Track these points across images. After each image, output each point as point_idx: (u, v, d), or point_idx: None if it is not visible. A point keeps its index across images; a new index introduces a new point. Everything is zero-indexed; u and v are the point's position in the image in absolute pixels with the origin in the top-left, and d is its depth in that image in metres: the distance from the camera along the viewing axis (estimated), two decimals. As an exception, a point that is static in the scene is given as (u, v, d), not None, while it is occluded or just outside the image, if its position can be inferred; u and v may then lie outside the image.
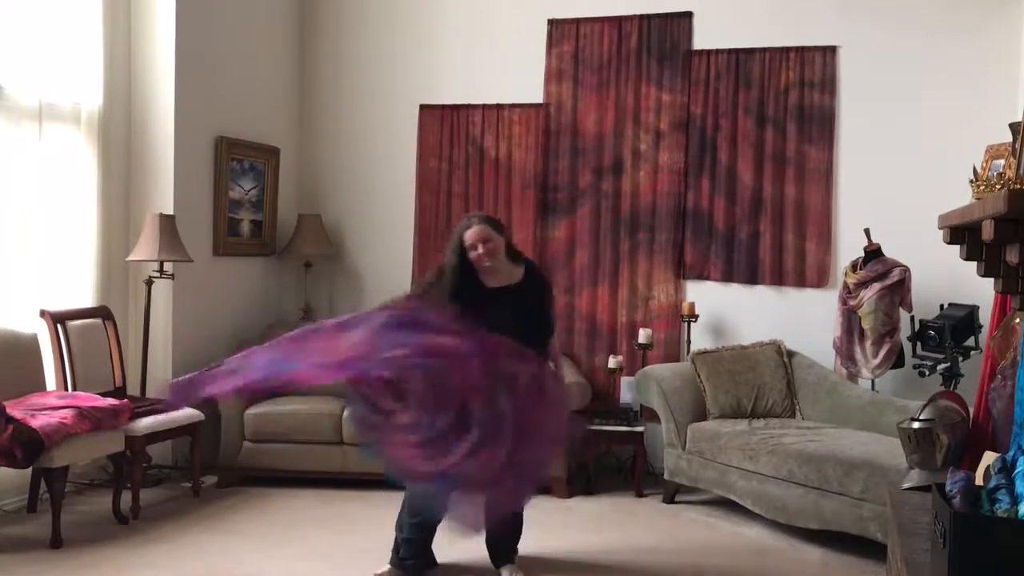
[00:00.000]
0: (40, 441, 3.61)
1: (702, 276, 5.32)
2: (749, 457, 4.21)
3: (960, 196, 3.04)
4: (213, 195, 5.24)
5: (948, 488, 2.12)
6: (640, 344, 5.15)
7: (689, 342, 5.22)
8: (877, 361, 4.57)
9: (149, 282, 4.72)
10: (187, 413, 4.53)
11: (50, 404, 3.88)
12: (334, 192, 5.96)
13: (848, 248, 4.95)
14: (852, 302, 4.63)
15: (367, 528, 4.16)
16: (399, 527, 3.62)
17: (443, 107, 5.71)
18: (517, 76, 5.57)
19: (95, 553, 3.72)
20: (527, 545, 3.83)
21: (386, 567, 3.62)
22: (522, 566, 3.68)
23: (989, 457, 2.43)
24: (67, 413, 3.78)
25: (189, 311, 5.03)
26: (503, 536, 3.66)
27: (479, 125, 5.64)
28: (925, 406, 3.10)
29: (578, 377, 4.90)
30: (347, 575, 3.61)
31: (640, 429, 4.90)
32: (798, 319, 5.08)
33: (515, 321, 3.30)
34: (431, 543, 3.63)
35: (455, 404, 3.08)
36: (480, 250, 3.39)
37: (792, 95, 5.13)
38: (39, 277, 4.44)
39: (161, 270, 4.71)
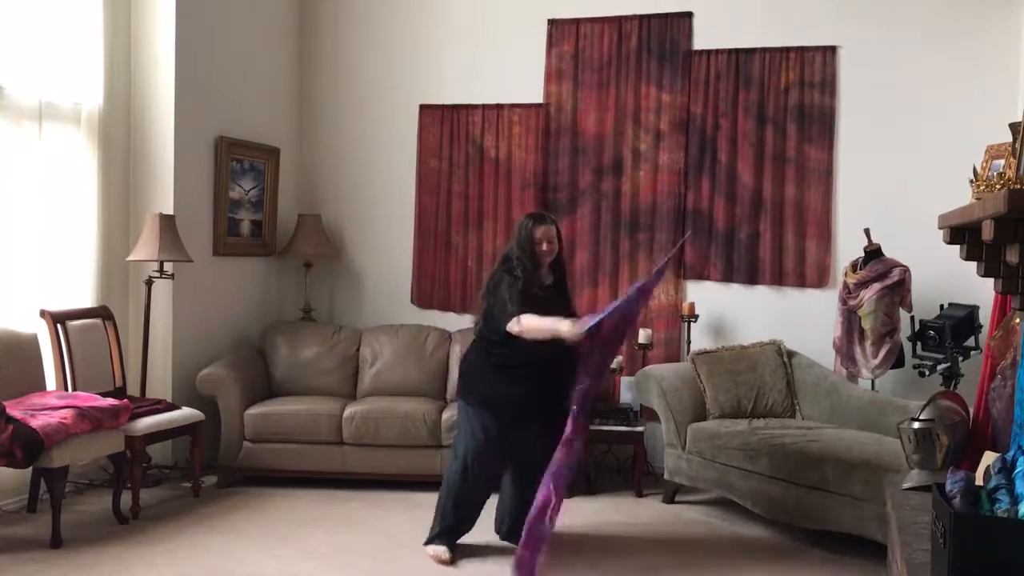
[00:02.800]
0: (40, 441, 3.61)
1: (702, 276, 5.32)
2: (749, 457, 4.21)
3: (960, 196, 3.03)
4: (213, 195, 5.24)
5: (948, 488, 2.12)
6: (640, 344, 5.15)
7: (689, 342, 5.22)
8: (877, 361, 4.57)
9: (149, 282, 4.72)
10: (187, 413, 4.54)
11: (50, 404, 3.87)
12: (334, 192, 5.96)
13: (848, 248, 4.95)
14: (852, 302, 4.63)
15: (367, 528, 4.16)
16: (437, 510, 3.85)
17: (443, 107, 5.71)
18: (517, 76, 5.57)
19: (95, 553, 3.72)
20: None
21: (441, 549, 3.78)
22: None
23: (989, 457, 2.43)
24: (67, 413, 3.78)
25: (189, 311, 5.03)
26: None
27: (479, 125, 5.64)
28: (925, 406, 3.10)
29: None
30: (347, 575, 3.61)
31: (640, 429, 4.90)
32: (798, 319, 5.08)
33: (561, 314, 3.57)
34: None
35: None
36: (545, 248, 3.69)
37: (792, 95, 5.13)
38: (39, 277, 4.44)
39: (161, 270, 4.71)
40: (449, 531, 3.81)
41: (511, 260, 3.70)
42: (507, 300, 3.56)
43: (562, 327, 3.40)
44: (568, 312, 3.71)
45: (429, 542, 3.83)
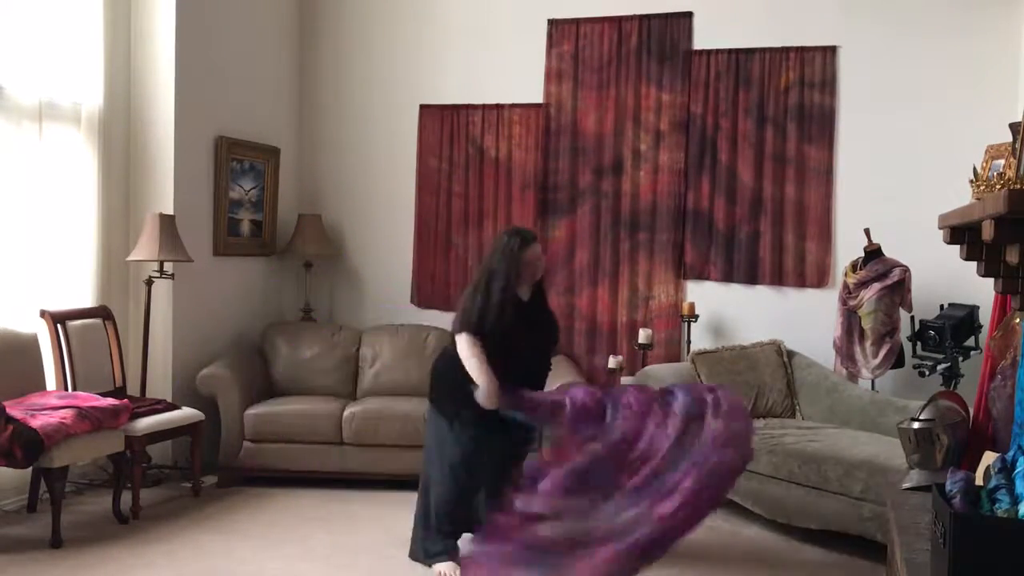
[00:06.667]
0: (40, 441, 3.61)
1: (702, 276, 5.32)
2: (749, 457, 4.21)
3: (960, 196, 3.03)
4: (213, 195, 5.24)
5: (948, 488, 2.12)
6: (640, 344, 5.15)
7: (689, 342, 5.22)
8: (877, 361, 4.57)
9: (149, 282, 4.72)
10: (187, 413, 4.54)
11: (50, 404, 3.87)
12: (334, 192, 5.96)
13: (848, 248, 4.95)
14: (852, 302, 4.63)
15: (367, 528, 4.16)
16: (430, 526, 3.65)
17: (443, 107, 5.71)
18: (517, 76, 5.57)
19: (95, 553, 3.72)
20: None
21: (448, 566, 3.58)
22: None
23: (989, 457, 2.43)
24: (67, 413, 3.78)
25: (189, 311, 5.03)
26: None
27: (479, 125, 5.64)
28: (925, 406, 3.09)
29: (578, 377, 4.90)
30: (347, 575, 3.61)
31: (640, 429, 4.89)
32: (798, 319, 5.08)
33: (541, 329, 3.63)
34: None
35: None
36: (533, 270, 3.60)
37: (792, 95, 5.13)
38: (39, 277, 4.44)
39: (161, 270, 4.71)
40: (450, 544, 3.64)
41: (495, 278, 3.51)
42: (471, 315, 3.45)
43: (482, 384, 3.32)
44: (548, 321, 3.69)
45: (432, 558, 3.64)
